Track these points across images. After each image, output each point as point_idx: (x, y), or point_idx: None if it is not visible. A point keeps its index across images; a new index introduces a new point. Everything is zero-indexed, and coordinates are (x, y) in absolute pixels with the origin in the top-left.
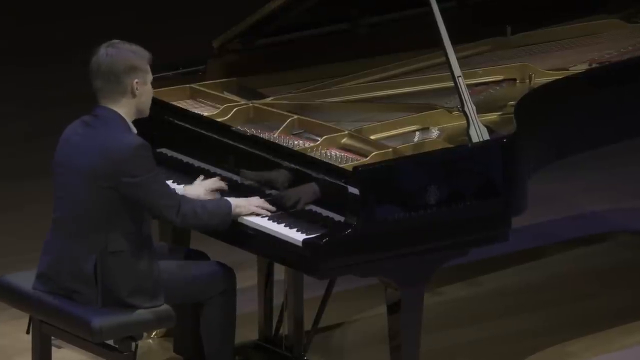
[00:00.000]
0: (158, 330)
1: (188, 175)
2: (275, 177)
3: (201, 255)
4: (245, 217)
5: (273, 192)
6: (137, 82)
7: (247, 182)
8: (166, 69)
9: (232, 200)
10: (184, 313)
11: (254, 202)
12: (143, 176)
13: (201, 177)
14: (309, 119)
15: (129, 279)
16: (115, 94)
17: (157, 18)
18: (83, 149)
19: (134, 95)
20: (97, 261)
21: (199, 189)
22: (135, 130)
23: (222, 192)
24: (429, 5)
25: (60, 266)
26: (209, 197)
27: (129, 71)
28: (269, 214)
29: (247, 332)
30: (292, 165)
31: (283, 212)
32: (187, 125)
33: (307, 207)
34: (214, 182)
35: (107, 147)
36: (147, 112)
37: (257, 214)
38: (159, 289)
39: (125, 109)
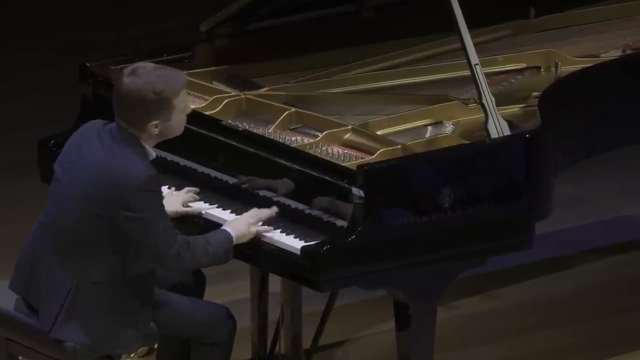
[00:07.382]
0: (139, 350)
1: (173, 175)
2: (272, 178)
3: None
4: None
5: (268, 194)
6: (154, 125)
7: (240, 185)
8: (148, 56)
9: (233, 232)
10: (172, 343)
11: (251, 221)
12: (146, 212)
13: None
14: (307, 112)
15: (98, 316)
16: (131, 126)
17: None
18: (89, 165)
19: (152, 133)
20: (70, 286)
21: (176, 200)
22: (153, 155)
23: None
24: None
25: (35, 271)
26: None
27: (146, 113)
28: (271, 228)
29: (239, 351)
30: (290, 164)
31: (278, 217)
32: None
33: (307, 211)
34: (189, 193)
35: (112, 175)
36: (178, 134)
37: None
38: (139, 338)
39: (144, 136)
